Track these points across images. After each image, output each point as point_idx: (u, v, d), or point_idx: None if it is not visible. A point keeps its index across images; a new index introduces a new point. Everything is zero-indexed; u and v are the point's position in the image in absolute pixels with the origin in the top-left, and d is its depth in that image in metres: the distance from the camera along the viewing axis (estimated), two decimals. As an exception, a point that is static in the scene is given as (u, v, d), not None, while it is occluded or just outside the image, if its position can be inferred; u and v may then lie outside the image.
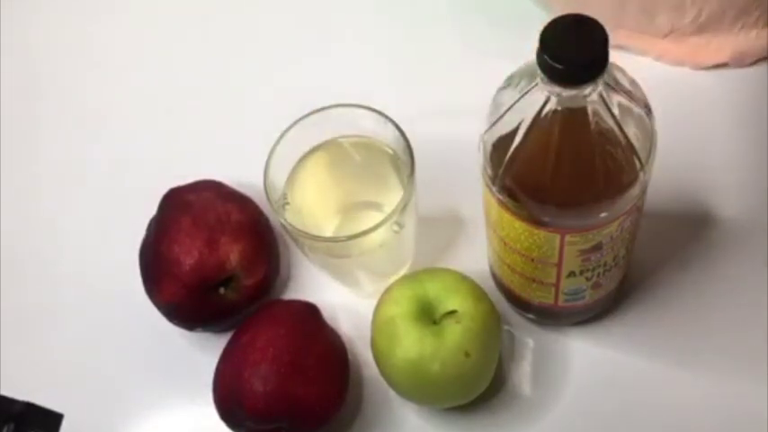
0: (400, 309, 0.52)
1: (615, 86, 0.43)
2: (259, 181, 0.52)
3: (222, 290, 0.56)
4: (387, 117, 0.53)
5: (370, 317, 0.54)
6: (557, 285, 0.51)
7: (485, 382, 0.54)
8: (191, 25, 0.72)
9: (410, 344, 0.51)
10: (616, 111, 0.43)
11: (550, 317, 0.57)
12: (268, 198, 0.52)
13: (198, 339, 0.59)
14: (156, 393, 0.59)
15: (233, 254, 0.55)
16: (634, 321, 0.57)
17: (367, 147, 0.56)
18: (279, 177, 0.54)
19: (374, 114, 0.53)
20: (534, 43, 0.40)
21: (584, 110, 0.42)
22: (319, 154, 0.56)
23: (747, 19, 0.61)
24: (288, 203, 0.55)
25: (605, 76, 0.42)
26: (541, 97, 0.42)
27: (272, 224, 0.59)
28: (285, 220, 0.52)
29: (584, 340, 0.57)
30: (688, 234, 0.59)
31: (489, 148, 0.46)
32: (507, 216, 0.47)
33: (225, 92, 0.68)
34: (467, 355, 0.50)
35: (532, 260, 0.50)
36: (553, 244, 0.47)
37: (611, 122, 0.43)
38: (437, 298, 0.52)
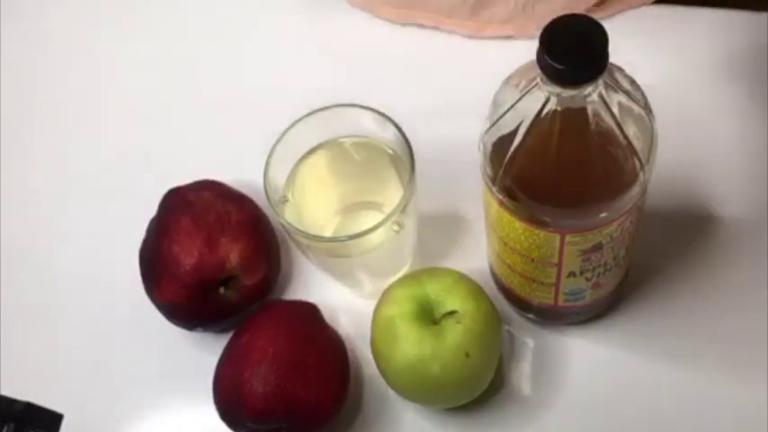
0: (400, 309, 0.52)
1: (615, 86, 0.43)
2: (259, 181, 0.52)
3: (222, 290, 0.56)
4: (387, 117, 0.53)
5: (370, 317, 0.54)
6: (557, 285, 0.51)
7: (485, 383, 0.54)
8: (190, 25, 0.72)
9: (410, 344, 0.51)
10: (616, 111, 0.43)
11: (550, 317, 0.57)
12: (268, 198, 0.52)
13: (198, 339, 0.59)
14: (156, 393, 0.59)
15: (233, 254, 0.55)
16: (634, 321, 0.57)
17: (367, 147, 0.56)
18: (279, 177, 0.54)
19: (374, 114, 0.53)
20: (534, 43, 0.41)
21: (584, 110, 0.42)
22: (319, 154, 0.56)
23: None
24: (288, 203, 0.55)
25: (605, 76, 0.42)
26: (541, 97, 0.42)
27: (272, 224, 0.59)
28: (285, 220, 0.52)
29: (584, 340, 0.57)
30: (688, 234, 0.59)
31: (489, 148, 0.46)
32: (507, 216, 0.47)
33: (225, 92, 0.68)
34: (467, 355, 0.50)
35: (532, 260, 0.50)
36: (553, 244, 0.47)
37: (611, 122, 0.43)
38: (437, 298, 0.52)
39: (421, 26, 0.68)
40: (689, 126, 0.61)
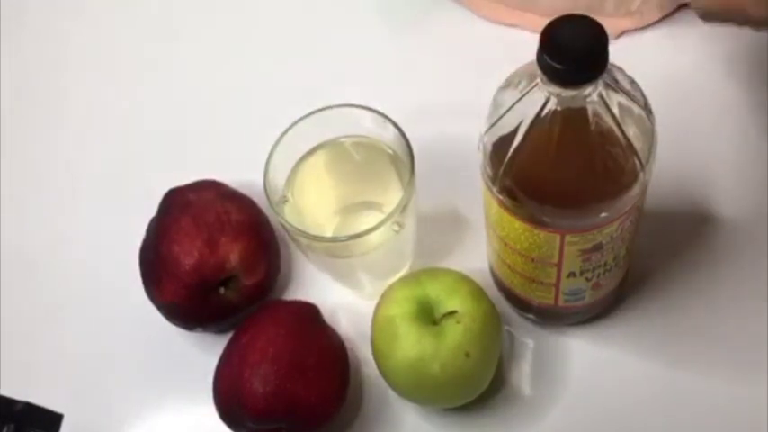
0: (400, 309, 0.52)
1: (615, 86, 0.43)
2: (259, 181, 0.52)
3: (222, 290, 0.56)
4: (387, 117, 0.53)
5: (370, 317, 0.54)
6: (557, 285, 0.51)
7: (485, 382, 0.54)
8: (191, 25, 0.72)
9: (410, 344, 0.51)
10: (616, 111, 0.43)
11: (550, 317, 0.57)
12: (268, 198, 0.52)
13: (198, 339, 0.59)
14: (156, 393, 0.59)
15: (233, 254, 0.55)
16: (634, 321, 0.57)
17: (367, 147, 0.56)
18: (279, 177, 0.54)
19: (374, 114, 0.53)
20: (535, 43, 0.40)
21: (584, 110, 0.42)
22: (319, 154, 0.56)
23: (629, 6, 0.64)
24: (288, 203, 0.55)
25: (605, 77, 0.42)
26: (541, 97, 0.42)
27: (272, 224, 0.59)
28: (285, 220, 0.52)
29: (584, 340, 0.57)
30: (688, 234, 0.59)
31: (489, 148, 0.46)
32: (507, 216, 0.47)
33: (225, 92, 0.68)
34: (467, 355, 0.50)
35: (532, 260, 0.50)
36: (553, 244, 0.47)
37: (611, 123, 0.43)
38: (437, 298, 0.52)
39: (517, 27, 0.67)
40: (689, 126, 0.62)
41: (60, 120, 0.70)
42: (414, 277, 0.54)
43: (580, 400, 0.55)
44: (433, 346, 0.50)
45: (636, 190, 0.45)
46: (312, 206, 0.57)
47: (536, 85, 0.42)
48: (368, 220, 0.52)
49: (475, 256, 0.58)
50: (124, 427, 0.58)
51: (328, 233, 0.56)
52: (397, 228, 0.52)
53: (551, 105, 0.42)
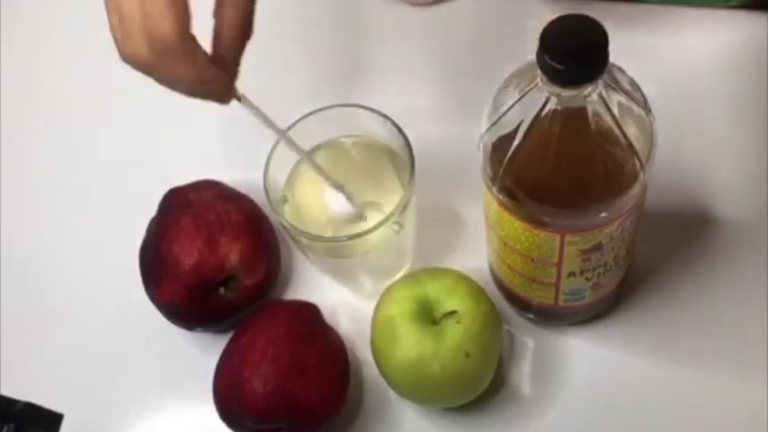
0: (400, 309, 0.52)
1: (615, 86, 0.43)
2: (259, 181, 0.52)
3: (222, 290, 0.56)
4: (387, 117, 0.53)
5: (370, 317, 0.54)
6: (557, 285, 0.51)
7: (485, 382, 0.54)
8: (191, 24, 0.72)
9: (410, 344, 0.51)
10: (616, 111, 0.43)
11: (550, 317, 0.57)
12: (268, 198, 0.52)
13: (198, 339, 0.59)
14: (156, 393, 0.59)
15: (233, 254, 0.55)
16: (634, 321, 0.57)
17: (367, 147, 0.56)
18: (279, 177, 0.54)
19: (374, 114, 0.53)
20: (534, 43, 0.40)
21: (584, 110, 0.42)
22: (319, 154, 0.56)
23: None
24: (288, 203, 0.55)
25: (605, 76, 0.42)
26: (541, 97, 0.42)
27: (272, 224, 0.59)
28: (285, 219, 0.52)
29: (584, 340, 0.57)
30: (688, 234, 0.59)
31: (489, 148, 0.46)
32: (507, 216, 0.47)
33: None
34: (467, 355, 0.50)
35: (532, 260, 0.50)
36: (553, 244, 0.47)
37: (610, 122, 0.43)
38: (437, 298, 0.52)
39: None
40: (689, 126, 0.61)
41: (60, 120, 0.69)
42: (414, 277, 0.54)
43: (580, 400, 0.55)
44: (433, 346, 0.50)
45: (636, 190, 0.45)
46: (312, 206, 0.57)
47: (536, 85, 0.42)
48: (368, 220, 0.52)
49: (475, 256, 0.58)
50: (124, 427, 0.58)
51: (328, 233, 0.56)
52: (397, 228, 0.52)
53: (551, 105, 0.42)
